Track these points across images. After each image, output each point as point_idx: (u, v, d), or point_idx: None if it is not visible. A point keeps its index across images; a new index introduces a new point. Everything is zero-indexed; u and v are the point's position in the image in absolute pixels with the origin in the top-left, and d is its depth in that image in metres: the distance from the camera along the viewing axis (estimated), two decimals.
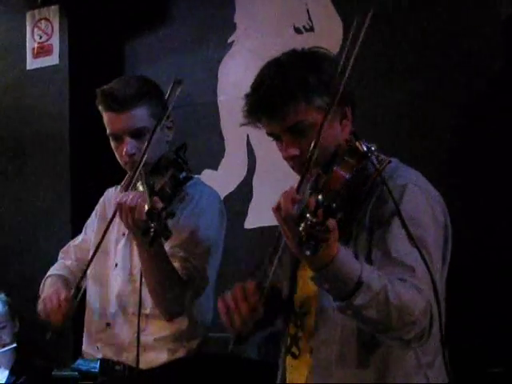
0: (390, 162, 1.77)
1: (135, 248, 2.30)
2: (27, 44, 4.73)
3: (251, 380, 2.43)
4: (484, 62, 3.38)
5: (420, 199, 1.75)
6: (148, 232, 2.01)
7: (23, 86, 4.72)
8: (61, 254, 2.72)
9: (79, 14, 4.60)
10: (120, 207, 2.10)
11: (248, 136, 4.20)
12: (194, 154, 4.47)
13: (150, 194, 2.09)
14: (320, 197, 1.49)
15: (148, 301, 2.32)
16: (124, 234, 2.42)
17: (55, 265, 2.68)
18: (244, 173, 4.26)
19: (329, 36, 3.84)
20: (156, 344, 2.33)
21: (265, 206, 4.57)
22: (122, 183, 2.49)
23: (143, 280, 2.25)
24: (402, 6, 3.60)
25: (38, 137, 4.63)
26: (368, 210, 1.76)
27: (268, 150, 4.45)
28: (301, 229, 1.46)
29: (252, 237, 4.16)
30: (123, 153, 2.34)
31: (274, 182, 4.22)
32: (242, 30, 4.32)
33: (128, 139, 2.34)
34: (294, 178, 1.72)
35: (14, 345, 4.13)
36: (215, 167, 4.36)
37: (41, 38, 4.70)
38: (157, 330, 2.34)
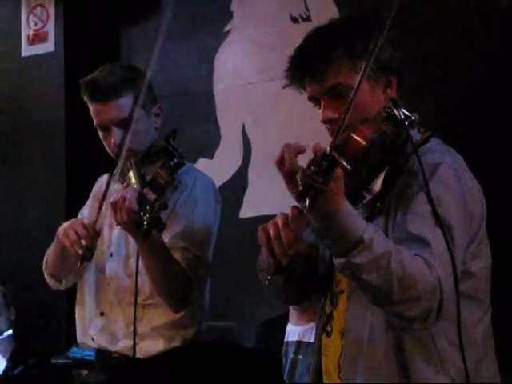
0: (429, 136, 1.73)
1: (130, 238, 2.28)
2: (22, 31, 4.69)
3: (247, 369, 2.43)
4: (484, 52, 3.37)
5: (451, 182, 1.67)
6: (141, 225, 2.00)
7: (18, 73, 4.69)
8: None
9: (75, 1, 4.57)
10: (113, 205, 2.08)
11: (244, 125, 4.20)
12: (189, 142, 4.48)
13: (141, 186, 2.07)
14: (328, 148, 1.45)
15: (144, 290, 2.31)
16: None
17: None
18: (239, 162, 4.25)
19: None
20: (152, 333, 2.32)
21: (260, 196, 4.60)
22: (114, 172, 2.47)
23: (139, 269, 2.23)
24: None
25: (33, 124, 4.61)
26: (398, 184, 1.71)
27: (264, 140, 4.48)
28: (298, 178, 1.42)
29: (247, 226, 4.16)
30: (111, 143, 2.32)
31: (270, 171, 4.18)
32: (238, 19, 4.30)
33: (115, 129, 2.31)
34: None
35: (10, 331, 4.12)
36: (210, 156, 4.35)
37: (36, 24, 4.67)
38: (153, 318, 2.33)
